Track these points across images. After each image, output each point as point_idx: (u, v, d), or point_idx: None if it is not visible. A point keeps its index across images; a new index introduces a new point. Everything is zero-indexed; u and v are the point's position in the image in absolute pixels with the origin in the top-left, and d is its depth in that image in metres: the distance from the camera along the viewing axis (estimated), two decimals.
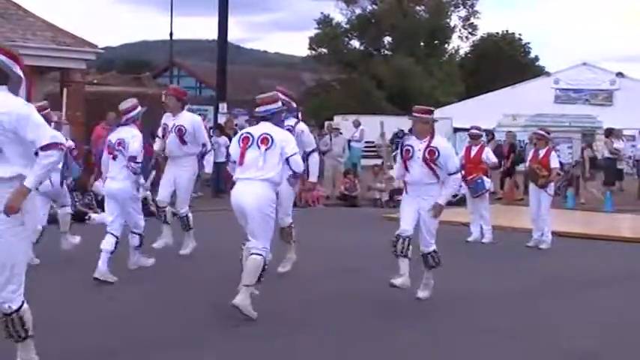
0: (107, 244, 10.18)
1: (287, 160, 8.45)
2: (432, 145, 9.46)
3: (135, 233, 10.66)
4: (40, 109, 11.40)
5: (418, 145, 9.49)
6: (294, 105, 10.83)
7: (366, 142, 29.12)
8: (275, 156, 8.39)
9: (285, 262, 11.03)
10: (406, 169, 9.57)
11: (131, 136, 10.30)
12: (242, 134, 8.75)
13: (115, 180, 10.34)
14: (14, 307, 5.81)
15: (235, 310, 8.16)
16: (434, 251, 9.60)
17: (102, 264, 10.04)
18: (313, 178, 10.58)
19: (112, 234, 10.31)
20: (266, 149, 8.35)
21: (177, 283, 10.26)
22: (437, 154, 9.41)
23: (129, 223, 10.54)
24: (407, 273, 9.45)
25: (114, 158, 10.34)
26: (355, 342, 7.89)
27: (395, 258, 9.50)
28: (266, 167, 8.33)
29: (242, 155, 8.45)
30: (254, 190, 8.29)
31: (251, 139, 8.47)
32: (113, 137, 10.43)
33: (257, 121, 8.92)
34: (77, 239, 11.95)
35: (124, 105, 10.58)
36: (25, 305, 5.90)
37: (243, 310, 8.13)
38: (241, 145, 8.53)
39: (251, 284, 8.22)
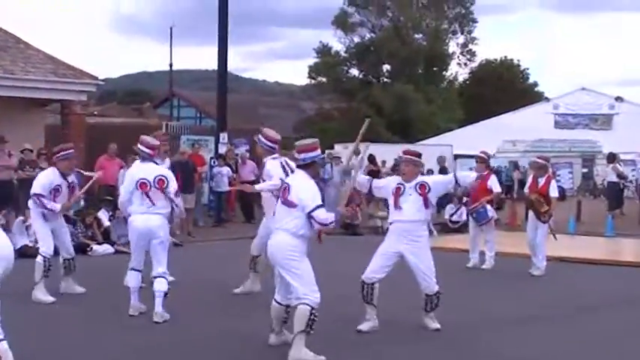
0: (134, 280, 10.16)
1: (309, 215, 8.07)
2: (421, 180, 9.50)
3: (163, 277, 10.01)
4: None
5: (407, 184, 9.44)
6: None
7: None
8: (293, 209, 8.10)
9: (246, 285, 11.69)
10: (398, 207, 9.46)
11: (167, 173, 10.32)
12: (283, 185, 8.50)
13: (152, 216, 10.08)
14: None
15: (237, 335, 8.18)
16: (437, 292, 9.53)
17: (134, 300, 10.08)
18: None
19: (137, 270, 10.21)
20: (283, 200, 8.19)
21: (179, 312, 10.25)
22: (427, 187, 9.42)
23: (159, 264, 10.04)
24: (373, 317, 9.47)
25: (147, 194, 10.03)
26: None
27: (396, 285, 9.51)
28: (284, 218, 8.15)
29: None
30: (277, 239, 8.18)
31: (284, 188, 8.30)
32: (148, 174, 10.11)
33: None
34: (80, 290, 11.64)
35: (153, 141, 10.43)
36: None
37: None
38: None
39: (301, 332, 7.95)
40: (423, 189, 9.40)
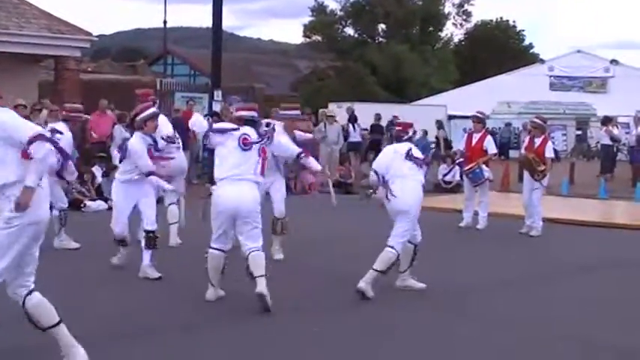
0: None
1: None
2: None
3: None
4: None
5: None
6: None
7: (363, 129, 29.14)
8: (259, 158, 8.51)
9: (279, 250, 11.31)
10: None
11: None
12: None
13: None
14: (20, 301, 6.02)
15: (233, 296, 8.26)
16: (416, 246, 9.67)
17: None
18: None
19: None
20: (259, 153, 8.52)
21: (175, 272, 10.26)
22: None
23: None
24: None
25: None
26: (352, 327, 7.96)
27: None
28: (246, 167, 8.43)
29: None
30: (245, 191, 8.39)
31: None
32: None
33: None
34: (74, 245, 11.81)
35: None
36: (30, 298, 6.02)
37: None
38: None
39: (262, 275, 8.29)
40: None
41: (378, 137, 26.21)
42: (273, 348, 7.26)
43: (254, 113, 8.77)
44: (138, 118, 9.94)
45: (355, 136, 26.00)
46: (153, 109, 10.20)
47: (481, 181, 15.09)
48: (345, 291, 9.25)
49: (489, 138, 15.47)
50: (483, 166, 15.06)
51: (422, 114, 31.96)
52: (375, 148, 25.03)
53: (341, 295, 9.20)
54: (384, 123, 27.79)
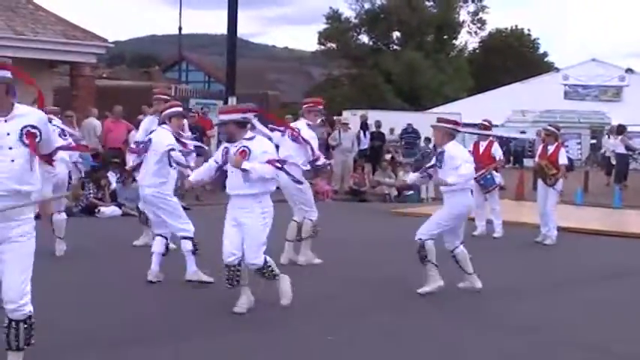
0: (158, 246, 9.99)
1: None
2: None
3: (185, 238, 9.92)
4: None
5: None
6: None
7: None
8: None
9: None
10: None
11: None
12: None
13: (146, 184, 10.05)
14: None
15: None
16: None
17: (155, 265, 9.93)
18: None
19: (162, 236, 10.04)
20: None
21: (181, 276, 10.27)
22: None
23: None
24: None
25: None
26: (361, 333, 7.95)
27: (406, 252, 9.53)
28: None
29: None
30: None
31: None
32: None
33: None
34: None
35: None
36: None
37: None
38: None
39: None
40: None
41: (378, 144, 26.16)
42: (287, 355, 7.26)
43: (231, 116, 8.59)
44: (164, 114, 10.02)
45: (365, 144, 25.97)
46: (179, 108, 10.22)
47: (492, 187, 15.14)
48: (359, 296, 9.26)
49: (496, 145, 15.59)
50: (494, 172, 15.12)
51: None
52: (377, 155, 25.10)
53: (356, 300, 9.21)
54: (397, 131, 27.89)
